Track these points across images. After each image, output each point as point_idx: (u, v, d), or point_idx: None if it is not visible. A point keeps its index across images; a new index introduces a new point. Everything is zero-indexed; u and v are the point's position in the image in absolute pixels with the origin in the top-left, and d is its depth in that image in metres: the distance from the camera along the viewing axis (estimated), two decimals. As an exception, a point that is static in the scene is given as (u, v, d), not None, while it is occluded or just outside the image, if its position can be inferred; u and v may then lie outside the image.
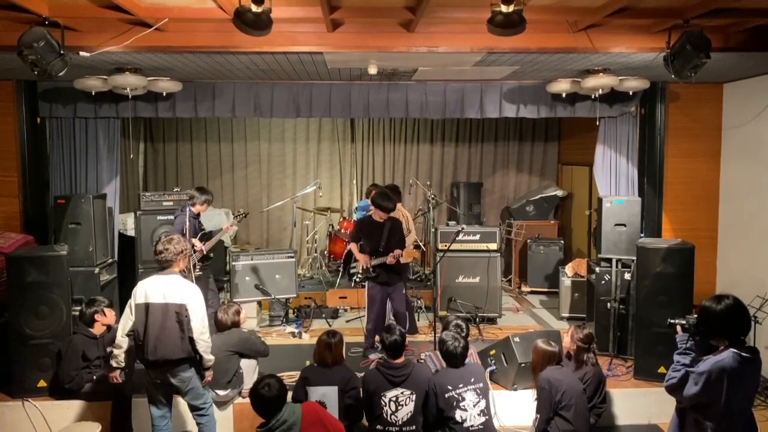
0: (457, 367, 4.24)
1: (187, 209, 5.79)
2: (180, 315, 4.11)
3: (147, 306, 4.14)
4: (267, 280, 6.96)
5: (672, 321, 3.44)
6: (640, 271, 5.52)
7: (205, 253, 5.94)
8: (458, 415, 4.11)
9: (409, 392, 4.14)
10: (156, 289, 4.16)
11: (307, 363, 4.76)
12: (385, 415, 4.12)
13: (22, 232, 6.15)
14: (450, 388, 4.15)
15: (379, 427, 4.16)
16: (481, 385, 4.20)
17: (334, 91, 6.63)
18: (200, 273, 5.94)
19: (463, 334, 4.39)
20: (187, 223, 5.60)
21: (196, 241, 5.84)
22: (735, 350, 3.07)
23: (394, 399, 4.13)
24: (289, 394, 4.27)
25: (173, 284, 4.15)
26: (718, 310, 3.13)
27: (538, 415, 4.13)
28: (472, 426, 4.11)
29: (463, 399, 4.13)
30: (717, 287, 6.67)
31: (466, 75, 6.25)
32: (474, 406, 4.14)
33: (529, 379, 5.16)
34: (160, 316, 4.11)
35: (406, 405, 4.13)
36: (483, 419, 4.14)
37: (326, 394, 4.32)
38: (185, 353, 4.16)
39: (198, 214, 6.05)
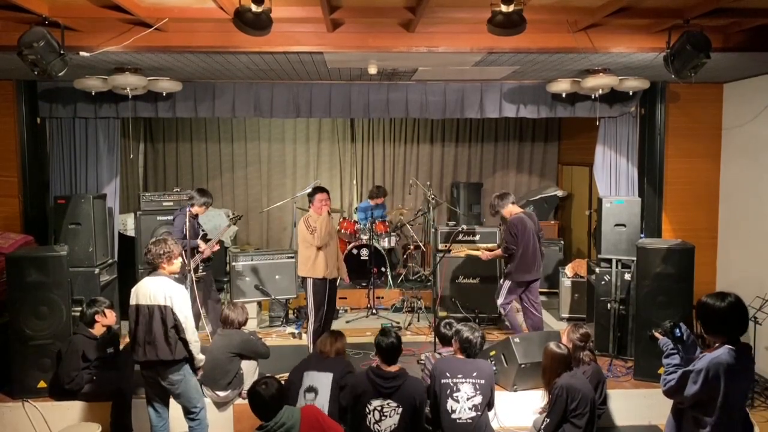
0: (470, 357, 4.25)
1: (186, 210, 5.79)
2: (165, 316, 4.13)
3: (137, 308, 4.20)
4: (267, 281, 6.97)
5: (650, 333, 3.58)
6: (640, 272, 5.51)
7: (208, 254, 5.95)
8: (449, 404, 4.08)
9: (395, 405, 3.96)
10: (144, 291, 4.20)
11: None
12: (368, 423, 3.97)
13: (22, 232, 6.14)
14: (448, 375, 4.14)
15: None
16: (482, 381, 4.14)
17: (334, 91, 6.62)
18: (204, 273, 5.96)
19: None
20: (187, 224, 5.61)
21: (201, 243, 5.85)
22: (730, 346, 3.12)
23: (378, 408, 3.97)
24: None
25: (159, 286, 4.17)
26: (722, 308, 3.16)
27: (548, 420, 4.09)
28: (459, 419, 4.07)
29: (458, 390, 4.10)
30: (717, 287, 6.66)
31: (466, 75, 6.25)
32: (467, 399, 4.09)
33: (529, 380, 5.16)
34: (148, 317, 4.16)
35: (390, 417, 3.95)
36: (473, 414, 4.08)
37: (320, 379, 4.35)
38: (172, 355, 4.17)
39: (196, 216, 6.05)
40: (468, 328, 4.35)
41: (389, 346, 4.07)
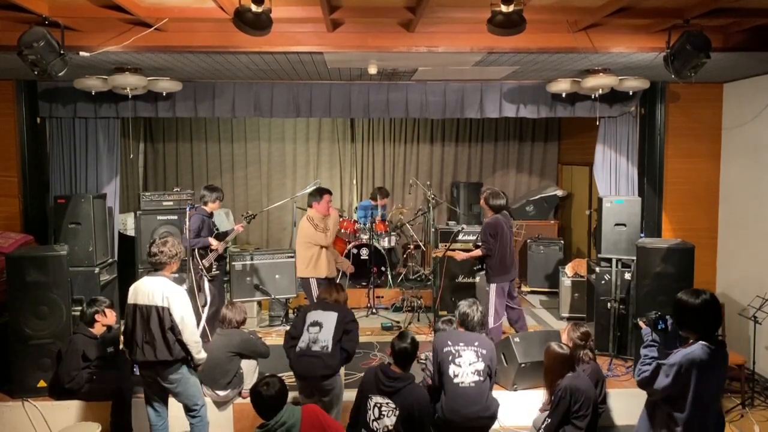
0: (468, 330, 4.28)
1: (197, 208, 5.81)
2: (162, 317, 4.12)
3: (135, 307, 4.19)
4: (267, 280, 6.97)
5: (635, 320, 3.56)
6: (640, 271, 5.51)
7: (220, 252, 5.98)
8: (451, 370, 4.09)
9: (393, 406, 3.88)
10: (143, 290, 4.19)
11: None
12: (368, 418, 3.94)
13: (22, 232, 6.15)
14: (449, 343, 4.18)
15: (363, 431, 4.02)
16: (484, 351, 4.15)
17: (334, 91, 6.62)
18: (217, 272, 5.98)
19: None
20: (188, 223, 5.62)
21: (212, 240, 5.88)
22: (704, 342, 3.16)
23: (378, 405, 3.93)
24: (291, 395, 4.30)
25: (159, 286, 4.16)
26: (696, 304, 3.22)
27: (549, 420, 4.07)
28: (462, 383, 4.08)
29: (460, 356, 4.12)
30: (717, 287, 6.67)
31: (466, 75, 6.25)
32: (469, 364, 4.10)
33: (529, 380, 5.16)
34: (146, 317, 4.15)
35: (387, 417, 3.88)
36: (476, 379, 4.08)
37: (325, 316, 4.53)
38: (170, 355, 4.17)
39: (211, 214, 6.09)
40: (467, 303, 4.37)
41: (401, 351, 3.99)
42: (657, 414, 3.36)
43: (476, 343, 4.20)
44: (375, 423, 3.92)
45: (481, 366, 4.13)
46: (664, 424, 3.30)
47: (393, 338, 4.11)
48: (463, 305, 4.40)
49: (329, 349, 4.42)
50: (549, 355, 4.24)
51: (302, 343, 4.48)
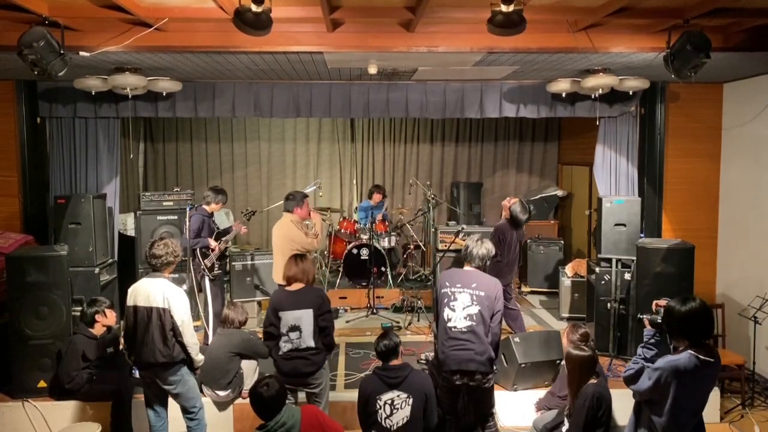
0: (466, 262, 4.27)
1: (192, 207, 5.81)
2: (163, 318, 4.12)
3: (135, 309, 4.19)
4: (267, 281, 6.96)
5: (641, 316, 3.58)
6: (640, 271, 5.52)
7: (221, 252, 5.98)
8: (445, 313, 4.12)
9: (405, 396, 3.94)
10: (143, 292, 4.19)
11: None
12: (379, 418, 3.95)
13: (22, 232, 6.15)
14: (447, 284, 4.18)
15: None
16: (481, 293, 4.11)
17: (334, 91, 6.62)
18: (219, 272, 5.99)
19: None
20: (187, 223, 5.62)
21: (212, 241, 5.89)
22: (693, 352, 3.13)
23: (389, 402, 3.95)
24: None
25: (159, 287, 4.16)
26: (682, 312, 3.18)
27: (570, 429, 4.02)
28: (455, 327, 4.09)
29: (455, 299, 4.12)
30: (717, 287, 6.67)
31: (466, 75, 6.25)
32: (463, 308, 4.09)
33: (529, 380, 5.16)
34: (146, 319, 4.15)
35: (401, 409, 3.94)
36: (469, 323, 4.07)
37: (301, 318, 4.30)
38: (170, 357, 4.17)
39: (212, 214, 6.09)
40: (473, 239, 4.34)
41: (381, 350, 4.04)
42: (642, 417, 3.38)
43: (474, 285, 4.14)
44: (388, 420, 3.95)
45: (474, 310, 4.09)
46: (646, 427, 3.32)
47: (375, 339, 4.13)
48: (468, 239, 4.36)
49: (313, 349, 4.40)
50: (572, 360, 4.13)
51: (284, 348, 4.37)
